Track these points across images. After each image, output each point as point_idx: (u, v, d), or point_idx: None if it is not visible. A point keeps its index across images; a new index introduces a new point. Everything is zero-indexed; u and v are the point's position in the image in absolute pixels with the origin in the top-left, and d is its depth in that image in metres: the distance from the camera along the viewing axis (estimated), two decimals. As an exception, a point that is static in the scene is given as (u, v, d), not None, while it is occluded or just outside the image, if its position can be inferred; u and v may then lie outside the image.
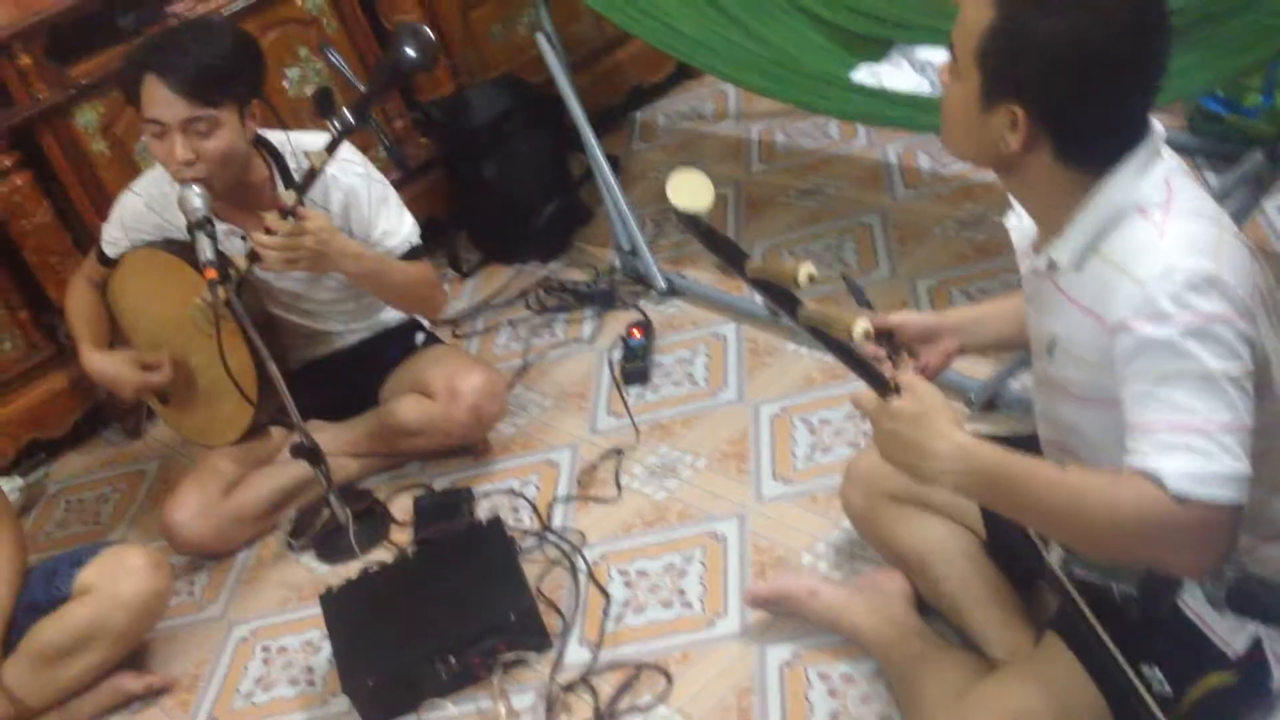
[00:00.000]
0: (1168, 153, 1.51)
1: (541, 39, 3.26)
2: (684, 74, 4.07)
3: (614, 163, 3.45)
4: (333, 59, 3.10)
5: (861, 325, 1.42)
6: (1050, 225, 1.54)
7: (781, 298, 1.52)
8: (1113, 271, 1.45)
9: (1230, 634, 1.60)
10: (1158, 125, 1.51)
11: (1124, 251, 1.45)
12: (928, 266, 2.86)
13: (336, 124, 2.31)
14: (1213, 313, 1.38)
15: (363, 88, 2.62)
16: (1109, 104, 1.44)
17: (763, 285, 1.53)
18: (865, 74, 2.93)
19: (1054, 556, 1.65)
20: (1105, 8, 1.40)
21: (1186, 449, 1.37)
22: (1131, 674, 1.58)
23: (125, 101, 2.69)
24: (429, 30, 2.31)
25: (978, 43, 1.46)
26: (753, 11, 3.12)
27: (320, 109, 2.29)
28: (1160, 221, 1.44)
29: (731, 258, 1.56)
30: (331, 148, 2.32)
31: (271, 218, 2.35)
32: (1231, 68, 2.13)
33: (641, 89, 3.98)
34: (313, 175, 2.34)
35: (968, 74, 1.48)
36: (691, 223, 1.56)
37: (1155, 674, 1.63)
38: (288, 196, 2.35)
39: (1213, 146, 2.77)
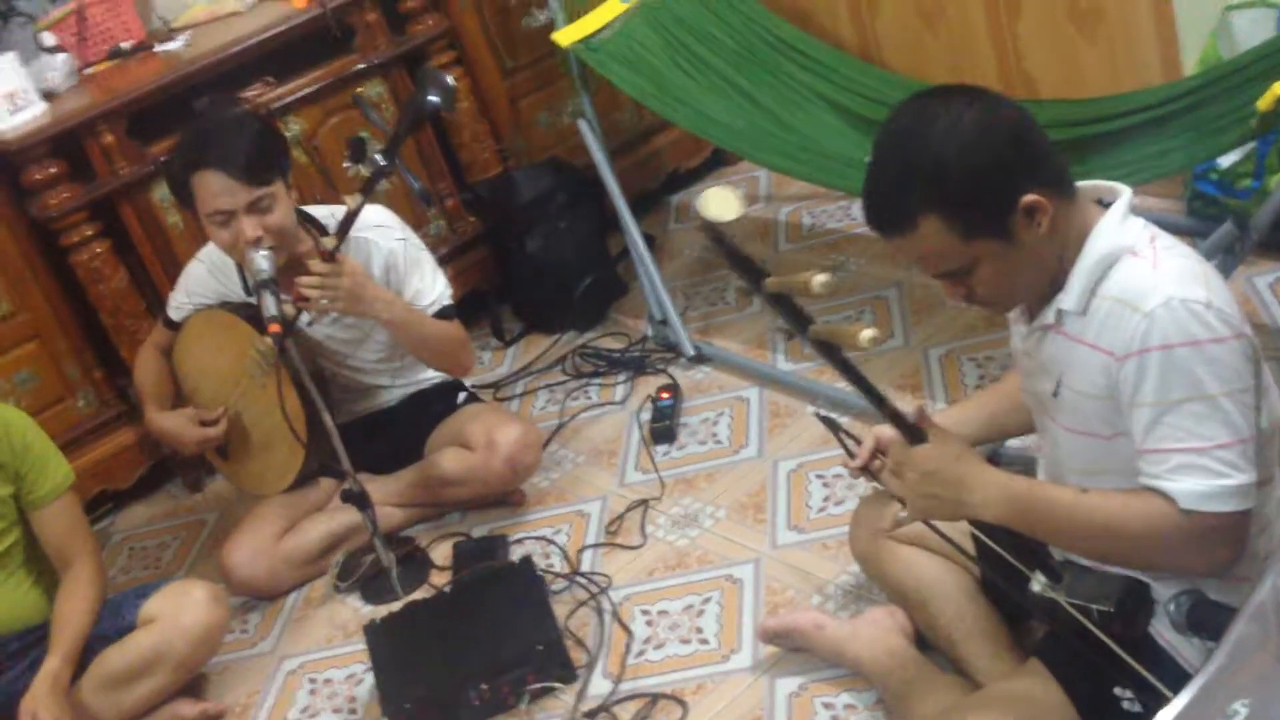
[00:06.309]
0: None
1: (583, 125, 3.45)
2: (718, 160, 4.22)
3: (650, 241, 3.63)
4: (367, 113, 3.33)
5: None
6: (1052, 287, 1.69)
7: (794, 315, 1.58)
8: (1117, 307, 1.60)
9: (1196, 656, 1.74)
10: (1126, 188, 1.69)
11: (1124, 288, 1.60)
12: (939, 336, 3.03)
13: (368, 167, 2.49)
14: (1211, 337, 1.54)
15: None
16: (1039, 137, 1.63)
17: (778, 300, 1.58)
18: (881, 156, 3.12)
19: (1037, 585, 1.80)
20: (960, 104, 1.63)
21: (1193, 469, 1.54)
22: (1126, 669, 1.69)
23: (178, 204, 2.85)
24: (449, 77, 2.49)
25: (959, 231, 1.60)
26: (780, 101, 3.34)
27: (354, 155, 2.54)
28: (1151, 258, 1.60)
29: (749, 272, 1.58)
30: (366, 189, 2.50)
31: (314, 262, 2.57)
32: (1206, 151, 2.32)
33: (678, 173, 4.14)
34: (351, 218, 2.53)
35: (978, 250, 1.62)
36: (713, 233, 1.62)
37: (1127, 694, 1.78)
38: (328, 241, 2.58)
39: (1209, 228, 2.94)
